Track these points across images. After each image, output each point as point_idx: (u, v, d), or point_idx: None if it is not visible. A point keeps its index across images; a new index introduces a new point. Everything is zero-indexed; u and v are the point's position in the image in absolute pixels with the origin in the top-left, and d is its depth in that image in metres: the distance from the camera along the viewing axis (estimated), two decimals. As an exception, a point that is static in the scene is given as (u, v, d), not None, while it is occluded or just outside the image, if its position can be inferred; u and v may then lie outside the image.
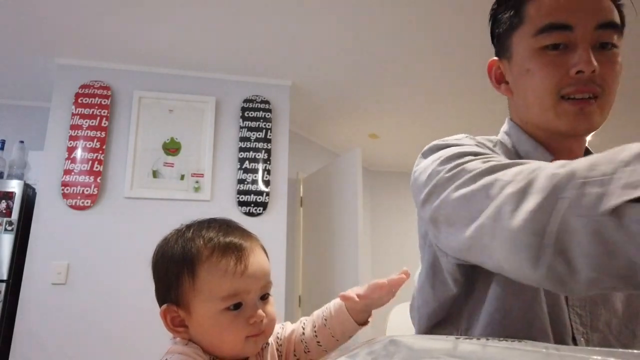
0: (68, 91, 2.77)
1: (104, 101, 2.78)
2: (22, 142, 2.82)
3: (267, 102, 3.03)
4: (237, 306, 0.62)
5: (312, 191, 3.65)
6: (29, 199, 2.60)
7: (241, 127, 2.96)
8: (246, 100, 3.01)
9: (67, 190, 2.61)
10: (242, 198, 2.84)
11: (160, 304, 0.66)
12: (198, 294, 0.62)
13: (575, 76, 0.64)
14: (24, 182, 2.58)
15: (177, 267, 0.64)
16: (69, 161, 2.65)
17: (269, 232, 2.76)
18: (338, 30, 2.51)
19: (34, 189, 2.67)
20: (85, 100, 2.76)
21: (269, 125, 3.00)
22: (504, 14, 0.73)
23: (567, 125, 0.67)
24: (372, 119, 3.69)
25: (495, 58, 0.77)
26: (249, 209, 2.82)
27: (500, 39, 0.75)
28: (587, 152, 0.76)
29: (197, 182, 2.80)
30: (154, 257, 0.69)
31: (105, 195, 2.68)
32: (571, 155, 0.70)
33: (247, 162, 2.91)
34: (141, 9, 2.36)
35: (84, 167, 2.66)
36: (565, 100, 0.65)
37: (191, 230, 0.67)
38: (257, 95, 3.03)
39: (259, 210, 2.84)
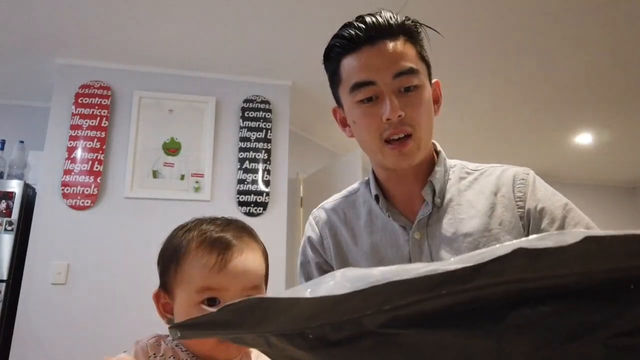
0: (68, 91, 2.77)
1: (104, 101, 2.78)
2: (22, 142, 2.82)
3: (267, 102, 3.03)
4: (212, 302, 0.61)
5: (312, 191, 3.65)
6: (29, 199, 2.60)
7: (241, 127, 2.96)
8: (246, 100, 3.01)
9: (67, 190, 2.61)
10: (242, 198, 2.84)
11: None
12: (180, 283, 0.64)
13: (387, 122, 0.75)
14: (24, 182, 2.58)
15: (169, 256, 0.67)
16: (69, 161, 2.65)
17: (269, 232, 2.76)
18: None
19: (34, 189, 2.67)
20: (86, 100, 2.76)
21: (269, 125, 3.00)
22: (328, 72, 0.86)
23: (393, 165, 0.79)
24: (372, 119, 3.69)
25: (336, 106, 0.89)
26: (249, 209, 2.82)
27: (333, 92, 0.88)
28: (433, 160, 0.87)
29: (197, 182, 2.80)
30: (163, 244, 0.72)
31: (105, 195, 2.68)
32: (407, 178, 0.84)
33: (247, 162, 2.91)
34: (141, 9, 2.36)
35: (84, 167, 2.66)
36: (388, 143, 0.77)
37: (194, 223, 0.70)
38: (257, 95, 3.03)
39: (259, 210, 2.84)
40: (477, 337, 0.25)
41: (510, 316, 0.24)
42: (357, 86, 0.78)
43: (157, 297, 0.67)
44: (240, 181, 2.87)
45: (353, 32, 0.79)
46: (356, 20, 0.80)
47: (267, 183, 2.90)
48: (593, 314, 0.23)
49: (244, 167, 2.90)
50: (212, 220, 0.69)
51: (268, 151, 2.96)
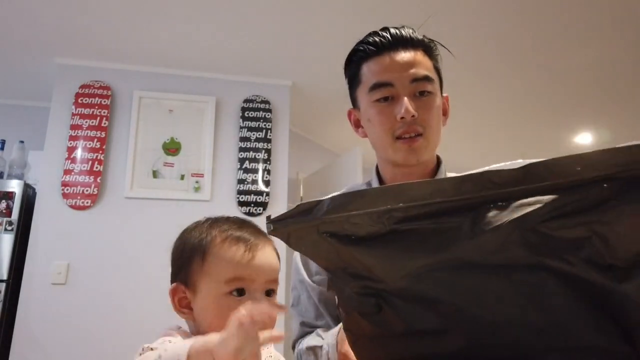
0: (68, 91, 2.77)
1: (104, 101, 2.78)
2: (22, 142, 2.82)
3: (267, 102, 3.03)
4: (240, 293, 0.65)
5: (312, 191, 3.65)
6: (29, 199, 2.60)
7: (241, 127, 2.96)
8: (246, 100, 3.01)
9: (67, 190, 2.61)
10: (242, 198, 2.84)
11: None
12: (205, 275, 0.66)
13: (400, 121, 0.82)
14: (24, 182, 2.58)
15: (190, 250, 0.69)
16: (69, 161, 2.65)
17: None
18: (338, 30, 2.51)
19: (34, 189, 2.67)
20: (85, 100, 2.76)
21: (269, 125, 2.99)
22: (348, 75, 0.94)
23: (402, 159, 0.85)
24: (372, 119, 3.68)
25: (351, 107, 0.96)
26: (249, 209, 2.82)
27: (350, 94, 0.95)
28: (438, 164, 0.94)
29: (197, 182, 2.80)
30: (174, 243, 0.75)
31: (105, 195, 2.68)
32: (411, 178, 0.87)
33: (247, 162, 2.91)
34: (141, 9, 2.36)
35: (84, 167, 2.66)
36: (398, 139, 0.84)
37: (210, 222, 0.73)
38: (257, 95, 3.03)
39: (259, 210, 2.84)
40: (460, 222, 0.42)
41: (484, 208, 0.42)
42: (377, 86, 0.85)
43: (174, 292, 0.70)
44: (240, 181, 2.87)
45: (378, 40, 0.87)
46: (381, 30, 0.88)
47: (267, 183, 2.90)
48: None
49: (244, 167, 2.90)
50: (227, 219, 0.73)
51: (268, 151, 2.96)
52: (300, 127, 3.75)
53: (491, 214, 0.40)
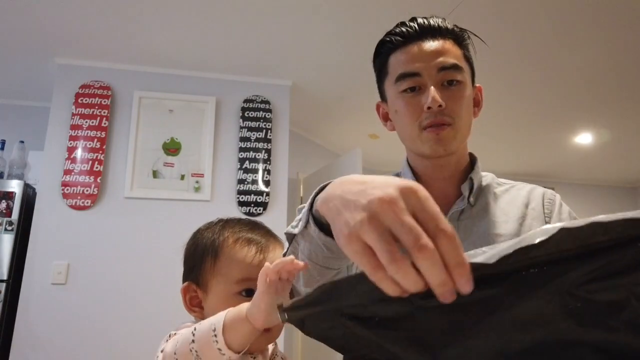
0: (68, 91, 2.77)
1: (104, 101, 2.78)
2: (22, 142, 2.82)
3: (267, 102, 3.03)
4: (249, 293, 0.66)
5: (312, 191, 3.64)
6: (29, 199, 2.60)
7: (241, 127, 2.96)
8: (246, 100, 3.01)
9: (67, 190, 2.61)
10: (242, 198, 2.84)
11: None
12: (216, 274, 0.68)
13: (428, 111, 0.79)
14: (24, 182, 2.58)
15: (203, 250, 0.71)
16: (69, 161, 2.65)
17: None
18: (338, 30, 2.51)
19: (34, 189, 2.67)
20: (86, 100, 2.76)
21: (269, 125, 2.99)
22: (376, 67, 0.91)
23: (429, 150, 0.82)
24: (372, 119, 3.67)
25: (380, 101, 0.94)
26: (249, 209, 2.82)
27: (379, 87, 0.93)
28: (472, 160, 0.92)
29: (197, 182, 2.80)
30: (187, 243, 0.76)
31: (105, 195, 2.68)
32: (443, 172, 0.87)
33: (247, 162, 2.91)
34: (141, 9, 2.36)
35: (84, 167, 2.66)
36: (425, 130, 0.81)
37: (222, 223, 0.74)
38: (257, 95, 3.03)
39: (259, 210, 2.84)
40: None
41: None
42: (403, 76, 0.82)
43: (185, 290, 0.71)
44: (240, 181, 2.87)
45: (405, 30, 0.84)
46: (409, 20, 0.86)
47: (267, 183, 2.90)
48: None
49: (244, 167, 2.90)
50: (239, 221, 0.75)
51: (268, 151, 2.96)
52: (300, 127, 3.75)
53: (526, 281, 0.37)
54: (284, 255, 0.66)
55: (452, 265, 0.34)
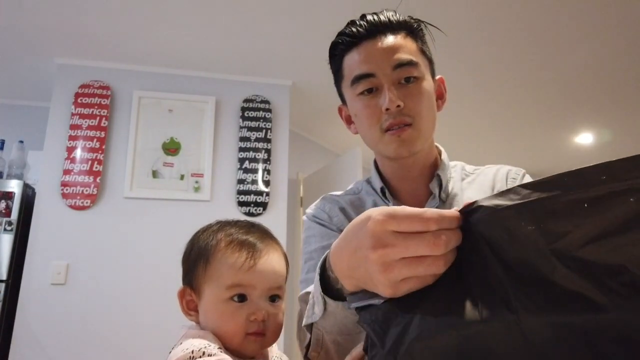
0: (68, 91, 2.77)
1: (104, 101, 2.78)
2: (21, 142, 2.82)
3: (267, 102, 3.03)
4: (241, 299, 0.65)
5: (312, 191, 3.64)
6: (28, 199, 2.59)
7: (241, 127, 2.96)
8: (246, 100, 3.01)
9: (67, 190, 2.61)
10: (242, 198, 2.84)
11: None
12: (208, 279, 0.67)
13: (386, 112, 0.77)
14: (24, 182, 2.57)
15: (196, 254, 0.70)
16: (69, 161, 2.65)
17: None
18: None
19: (33, 189, 2.67)
20: (85, 100, 2.75)
21: (269, 125, 2.99)
22: (332, 69, 0.88)
23: (393, 153, 0.80)
24: (373, 119, 3.68)
25: (341, 104, 0.92)
26: (249, 209, 2.82)
27: (337, 89, 0.90)
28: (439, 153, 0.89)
29: (197, 182, 2.80)
30: (186, 245, 0.75)
31: (104, 195, 2.67)
32: (411, 172, 0.85)
33: (247, 162, 2.91)
34: (141, 9, 2.35)
35: (83, 167, 2.65)
36: (387, 132, 0.78)
37: (218, 225, 0.73)
38: (257, 95, 3.03)
39: (259, 210, 2.84)
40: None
41: None
42: (358, 79, 0.79)
43: (182, 294, 0.70)
44: (240, 181, 2.86)
45: (355, 29, 0.81)
46: (359, 19, 0.83)
47: (267, 183, 2.90)
48: None
49: (243, 167, 2.89)
50: (236, 223, 0.73)
51: (268, 151, 2.95)
52: (300, 127, 3.74)
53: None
54: (307, 346, 0.61)
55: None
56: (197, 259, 0.69)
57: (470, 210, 0.38)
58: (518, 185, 0.35)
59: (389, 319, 0.41)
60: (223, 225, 0.72)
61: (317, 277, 0.54)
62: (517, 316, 0.33)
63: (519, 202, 0.34)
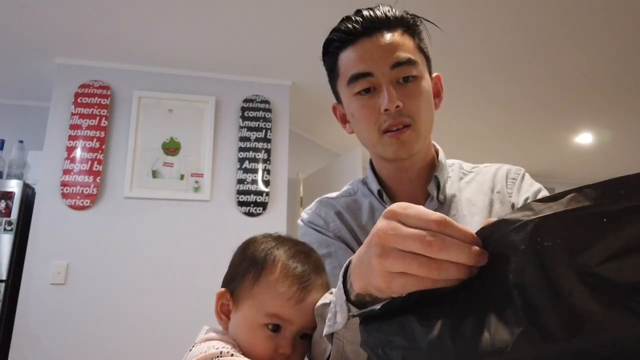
0: (67, 91, 2.77)
1: (104, 101, 2.78)
2: (21, 141, 2.82)
3: (267, 102, 3.03)
4: (276, 329, 0.63)
5: (312, 191, 3.64)
6: (28, 198, 2.59)
7: (241, 127, 2.96)
8: (246, 100, 3.01)
9: (67, 190, 2.61)
10: (241, 198, 2.84)
11: (222, 287, 0.70)
12: (251, 297, 0.65)
13: (385, 113, 0.75)
14: (24, 182, 2.58)
15: (249, 265, 0.67)
16: (69, 161, 2.65)
17: (269, 232, 2.74)
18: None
19: (33, 189, 2.67)
20: (85, 100, 2.75)
21: (268, 125, 2.99)
22: (326, 67, 0.86)
23: (392, 154, 0.78)
24: (372, 119, 3.68)
25: (335, 102, 0.88)
26: (249, 209, 2.82)
27: (332, 87, 0.87)
28: (436, 153, 0.88)
29: (196, 182, 2.80)
30: (239, 246, 0.72)
31: (104, 195, 2.67)
32: (408, 173, 0.84)
33: (247, 162, 2.91)
34: (141, 9, 2.35)
35: (83, 166, 2.65)
36: (386, 133, 0.76)
37: (280, 241, 0.70)
38: (257, 95, 3.03)
39: (259, 210, 2.83)
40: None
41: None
42: (355, 78, 0.77)
43: (220, 296, 0.68)
44: (240, 181, 2.86)
45: (350, 25, 0.78)
46: (354, 14, 0.80)
47: (266, 183, 2.90)
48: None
49: (243, 167, 2.89)
50: (295, 244, 0.70)
51: (268, 151, 2.95)
52: (300, 127, 3.74)
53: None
54: (327, 358, 0.59)
55: (462, 239, 0.36)
56: (246, 271, 0.66)
57: (488, 231, 0.37)
58: (533, 201, 0.34)
59: (390, 342, 0.40)
60: (281, 242, 0.69)
61: (339, 285, 0.52)
62: (531, 346, 0.31)
63: (535, 217, 0.33)
